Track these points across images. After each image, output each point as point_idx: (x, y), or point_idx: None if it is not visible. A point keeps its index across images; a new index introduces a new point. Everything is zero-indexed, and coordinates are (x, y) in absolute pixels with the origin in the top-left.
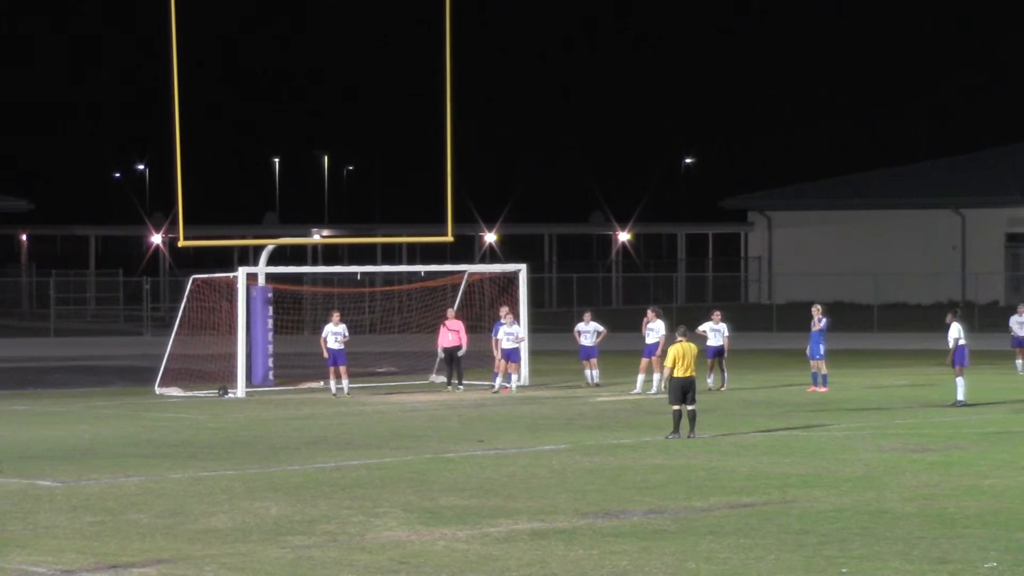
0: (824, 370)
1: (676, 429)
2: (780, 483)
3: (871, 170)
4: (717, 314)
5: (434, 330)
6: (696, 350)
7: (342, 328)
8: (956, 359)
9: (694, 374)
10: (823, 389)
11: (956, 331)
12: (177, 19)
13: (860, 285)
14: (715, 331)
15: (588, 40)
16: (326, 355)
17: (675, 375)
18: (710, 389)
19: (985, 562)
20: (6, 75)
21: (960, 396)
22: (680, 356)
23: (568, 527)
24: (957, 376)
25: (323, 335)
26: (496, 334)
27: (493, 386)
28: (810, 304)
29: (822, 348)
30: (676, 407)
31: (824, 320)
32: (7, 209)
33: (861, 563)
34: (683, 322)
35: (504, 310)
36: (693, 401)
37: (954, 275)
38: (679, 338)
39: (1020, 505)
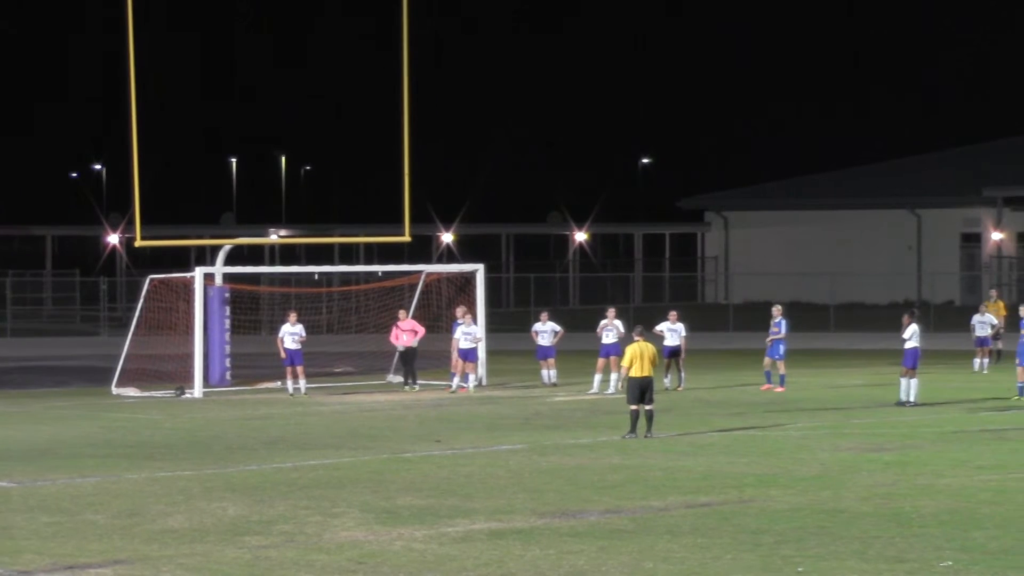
0: (782, 370)
1: (633, 429)
2: (737, 483)
3: (827, 170)
4: (674, 314)
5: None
6: (654, 350)
7: (299, 328)
8: (908, 360)
9: (652, 374)
10: (780, 388)
11: (910, 332)
12: (134, 20)
13: (817, 285)
14: (672, 331)
15: (547, 40)
16: (283, 355)
17: (631, 375)
18: (667, 389)
19: (941, 561)
20: None
21: (911, 397)
22: (637, 355)
23: (526, 527)
24: (911, 377)
25: (280, 335)
26: (455, 334)
27: (450, 386)
28: (767, 304)
29: (782, 348)
30: (633, 407)
31: (782, 322)
32: None
33: (818, 562)
34: (640, 322)
35: (461, 310)
36: (650, 401)
37: (910, 275)
38: (636, 337)
39: (976, 504)
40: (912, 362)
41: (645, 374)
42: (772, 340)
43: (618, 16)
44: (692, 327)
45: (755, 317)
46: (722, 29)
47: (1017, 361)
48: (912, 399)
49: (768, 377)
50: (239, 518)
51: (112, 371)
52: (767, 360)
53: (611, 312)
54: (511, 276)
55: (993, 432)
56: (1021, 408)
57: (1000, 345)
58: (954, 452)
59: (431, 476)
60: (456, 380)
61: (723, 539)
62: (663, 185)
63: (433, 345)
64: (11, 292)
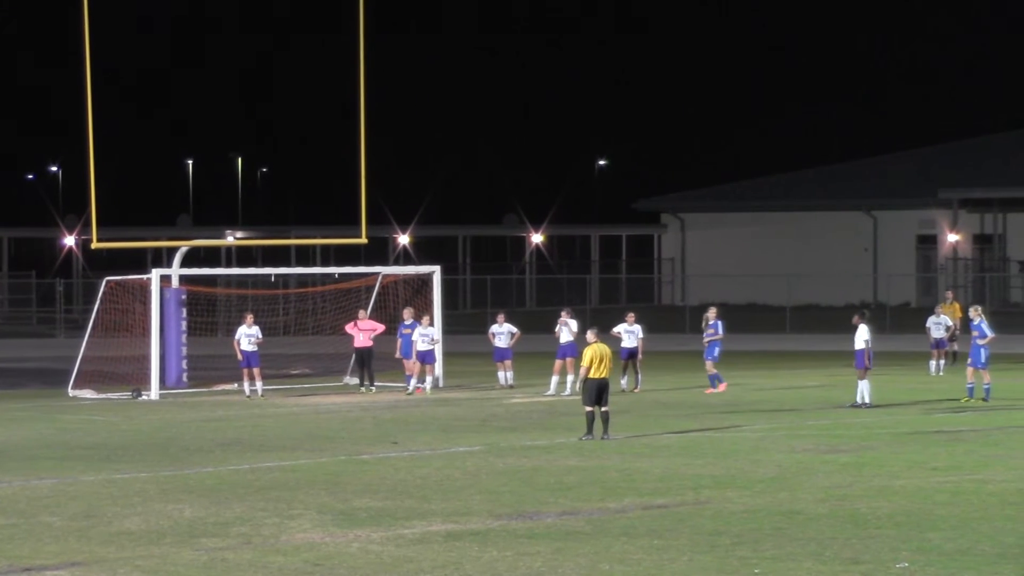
0: (712, 370)
1: (589, 430)
2: (693, 484)
3: (783, 172)
4: (631, 316)
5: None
6: (610, 352)
7: (255, 330)
8: (860, 361)
9: (608, 375)
10: (720, 387)
11: (865, 333)
12: (90, 20)
13: (773, 287)
14: (629, 333)
15: (502, 41)
16: (240, 357)
17: (589, 376)
18: (623, 390)
19: (897, 562)
20: None
21: (866, 398)
22: (596, 357)
23: (482, 528)
24: (862, 379)
25: (236, 337)
26: (412, 336)
27: (407, 388)
28: (723, 306)
29: (716, 350)
30: (589, 408)
31: (718, 323)
32: None
33: (774, 563)
34: (597, 324)
35: (408, 312)
36: (607, 403)
37: (866, 277)
38: (593, 339)
39: (932, 506)
40: (864, 362)
41: (603, 375)
42: (709, 342)
43: (573, 17)
44: (649, 329)
45: None
46: (678, 31)
47: (969, 361)
48: (867, 400)
49: (712, 381)
50: (196, 520)
51: (68, 373)
52: (708, 363)
53: (565, 312)
54: (468, 278)
55: (949, 433)
56: (976, 410)
57: (956, 347)
58: (910, 453)
59: (388, 478)
60: (413, 382)
61: (680, 541)
62: (619, 187)
63: (390, 346)
64: None
